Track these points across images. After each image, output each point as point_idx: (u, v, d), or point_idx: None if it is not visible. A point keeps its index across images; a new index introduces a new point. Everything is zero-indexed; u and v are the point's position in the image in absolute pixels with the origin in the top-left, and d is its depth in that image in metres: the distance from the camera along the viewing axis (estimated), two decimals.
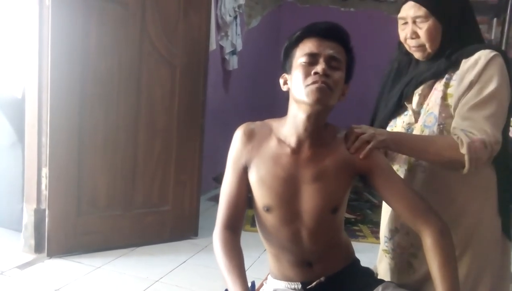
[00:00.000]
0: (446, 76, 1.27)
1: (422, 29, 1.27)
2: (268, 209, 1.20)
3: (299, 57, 1.15)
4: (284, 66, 1.21)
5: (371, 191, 3.38)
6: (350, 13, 4.55)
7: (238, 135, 1.24)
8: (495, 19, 3.57)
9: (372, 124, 1.43)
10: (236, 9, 3.61)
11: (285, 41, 1.20)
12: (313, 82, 1.11)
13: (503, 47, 3.21)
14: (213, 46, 3.13)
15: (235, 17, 3.64)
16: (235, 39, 3.69)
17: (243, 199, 1.23)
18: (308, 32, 1.16)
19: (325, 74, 1.11)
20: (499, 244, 1.33)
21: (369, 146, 1.18)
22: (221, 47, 3.60)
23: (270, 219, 1.21)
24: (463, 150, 1.14)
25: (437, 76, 1.29)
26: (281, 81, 1.23)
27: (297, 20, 4.44)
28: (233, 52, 3.73)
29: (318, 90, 1.11)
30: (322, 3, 4.62)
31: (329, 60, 1.13)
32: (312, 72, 1.12)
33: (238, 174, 1.22)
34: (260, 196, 1.20)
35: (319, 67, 1.12)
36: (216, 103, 3.53)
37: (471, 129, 1.16)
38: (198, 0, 2.64)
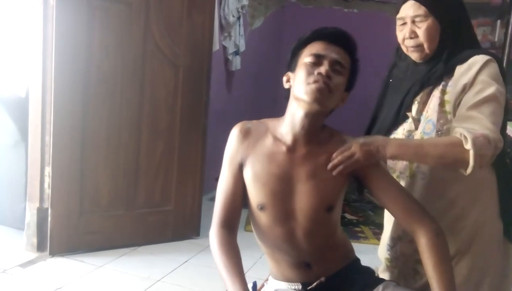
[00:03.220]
0: (443, 82, 1.28)
1: (421, 29, 1.28)
2: (262, 207, 1.20)
3: (305, 56, 1.18)
4: (290, 65, 1.23)
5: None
6: (353, 14, 4.55)
7: (234, 134, 1.25)
8: (498, 21, 3.57)
9: (369, 132, 1.42)
10: (239, 10, 3.62)
11: (294, 40, 1.22)
12: (315, 82, 1.13)
13: (506, 49, 3.20)
14: (216, 46, 3.14)
15: (238, 18, 3.65)
16: (238, 39, 3.69)
17: (239, 197, 1.23)
18: (318, 35, 1.19)
19: (327, 75, 1.14)
20: (501, 246, 1.33)
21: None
22: (224, 48, 3.61)
23: (264, 218, 1.21)
24: (468, 145, 1.11)
25: (434, 83, 1.30)
26: (284, 79, 1.24)
27: (300, 21, 4.47)
28: (236, 53, 3.73)
29: (318, 90, 1.13)
30: (325, 4, 4.62)
31: (333, 63, 1.16)
32: (315, 72, 1.14)
33: (234, 172, 1.23)
34: (255, 193, 1.21)
35: (323, 68, 1.14)
36: (219, 103, 3.53)
37: (473, 126, 1.15)
38: (202, 1, 2.65)
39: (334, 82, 1.15)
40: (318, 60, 1.16)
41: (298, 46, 1.21)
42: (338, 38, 1.19)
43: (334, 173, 1.18)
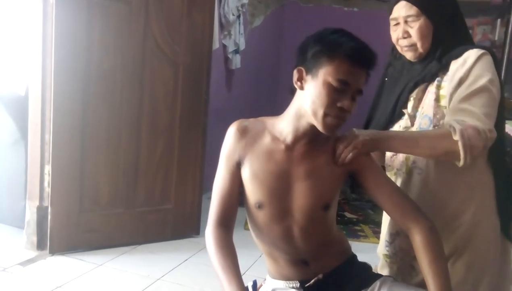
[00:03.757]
0: (438, 78, 1.29)
1: (414, 28, 1.30)
2: (259, 206, 1.20)
3: (330, 75, 1.10)
4: (304, 61, 1.14)
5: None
6: (353, 13, 4.54)
7: (232, 132, 1.24)
8: (499, 20, 3.57)
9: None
10: (239, 8, 3.62)
11: (317, 37, 1.14)
12: (334, 117, 1.12)
13: (507, 48, 3.20)
14: (216, 45, 3.13)
15: (238, 16, 3.64)
16: (238, 38, 3.69)
17: (236, 196, 1.24)
18: (346, 51, 1.10)
19: (348, 110, 1.13)
20: (498, 243, 1.33)
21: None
22: (224, 46, 3.61)
23: (261, 216, 1.21)
24: (456, 137, 1.13)
25: (429, 80, 1.31)
26: (296, 75, 1.16)
27: (300, 19, 4.46)
28: (236, 51, 3.73)
29: (335, 127, 1.14)
30: (324, 2, 4.61)
31: (356, 93, 1.13)
32: (338, 105, 1.11)
33: (231, 170, 1.23)
34: (252, 192, 1.21)
35: (346, 103, 1.11)
36: (219, 102, 3.53)
37: (463, 118, 1.16)
38: None
39: (350, 112, 1.13)
40: (343, 87, 1.10)
41: (322, 50, 1.11)
42: (366, 61, 1.12)
43: (338, 163, 1.20)
